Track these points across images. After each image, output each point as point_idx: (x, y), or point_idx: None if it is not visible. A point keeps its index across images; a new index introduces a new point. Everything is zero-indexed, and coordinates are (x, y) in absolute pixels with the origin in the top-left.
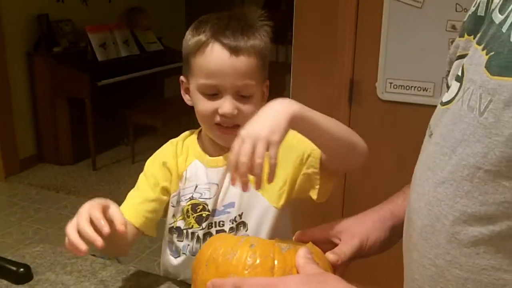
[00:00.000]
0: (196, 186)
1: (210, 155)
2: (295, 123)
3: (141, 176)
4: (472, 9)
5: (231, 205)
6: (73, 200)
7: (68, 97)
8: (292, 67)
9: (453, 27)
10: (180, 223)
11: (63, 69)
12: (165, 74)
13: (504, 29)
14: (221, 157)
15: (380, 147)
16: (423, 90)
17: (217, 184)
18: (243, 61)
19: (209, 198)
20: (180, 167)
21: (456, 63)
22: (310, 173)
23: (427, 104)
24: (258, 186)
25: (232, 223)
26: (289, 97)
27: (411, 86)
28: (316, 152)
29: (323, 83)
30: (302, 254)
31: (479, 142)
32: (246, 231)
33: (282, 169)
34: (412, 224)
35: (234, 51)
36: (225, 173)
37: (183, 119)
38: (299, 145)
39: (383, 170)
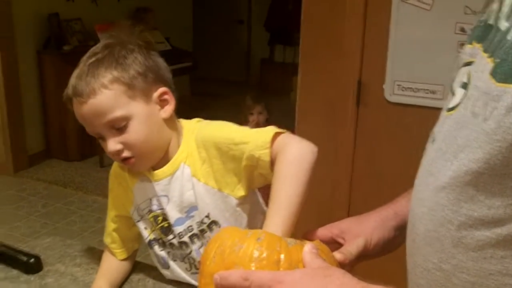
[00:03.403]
0: (151, 199)
1: (153, 169)
2: None
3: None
4: (483, 17)
5: (194, 208)
6: (81, 195)
7: None
8: (299, 68)
9: (462, 29)
10: (155, 234)
11: (72, 68)
12: (173, 73)
13: (509, 37)
14: (161, 170)
15: (386, 149)
16: (431, 93)
17: (166, 196)
18: (93, 103)
19: (165, 208)
20: (130, 181)
21: (462, 70)
22: (264, 173)
23: (435, 107)
24: None
25: (200, 225)
26: (296, 99)
27: (419, 89)
28: (264, 155)
29: (331, 85)
30: (308, 249)
31: (481, 148)
32: (219, 227)
33: (230, 166)
34: (415, 229)
35: (81, 98)
36: (169, 182)
37: (190, 118)
38: (240, 147)
39: (389, 172)
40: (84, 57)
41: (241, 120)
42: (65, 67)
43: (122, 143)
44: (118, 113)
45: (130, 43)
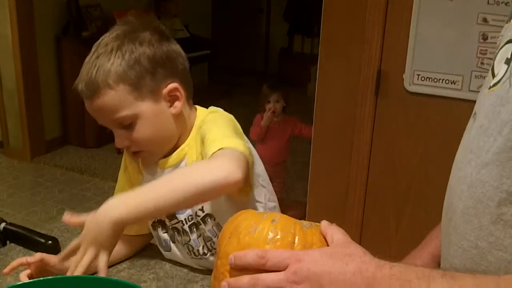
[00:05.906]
0: None
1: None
2: (123, 226)
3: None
4: None
5: None
6: (97, 182)
7: None
8: (319, 57)
9: (484, 20)
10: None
11: None
12: (191, 61)
13: None
14: (167, 159)
15: (405, 139)
16: (451, 83)
17: None
18: (98, 102)
19: None
20: (141, 163)
21: (505, 47)
22: None
23: (455, 97)
24: None
25: (192, 219)
26: (315, 88)
27: (439, 79)
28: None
29: (350, 74)
30: (327, 222)
31: None
32: (214, 220)
33: None
34: (453, 207)
35: (88, 96)
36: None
37: (208, 105)
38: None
39: (407, 162)
40: (96, 44)
41: (259, 108)
42: (84, 52)
43: (129, 139)
44: (124, 113)
45: (143, 32)
